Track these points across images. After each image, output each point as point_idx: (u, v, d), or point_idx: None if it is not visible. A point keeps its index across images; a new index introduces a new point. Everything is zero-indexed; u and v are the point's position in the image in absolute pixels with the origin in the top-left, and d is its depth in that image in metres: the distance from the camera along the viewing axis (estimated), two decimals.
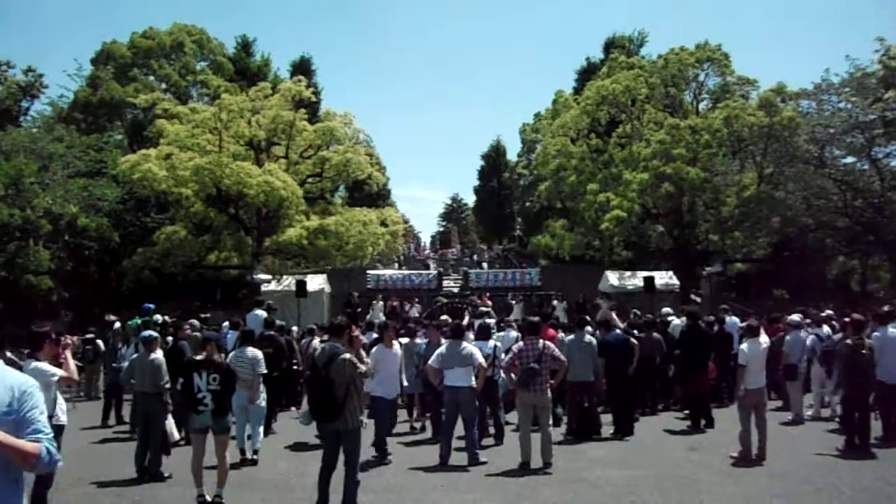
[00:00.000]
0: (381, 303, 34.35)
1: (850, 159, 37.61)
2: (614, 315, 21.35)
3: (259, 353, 14.09)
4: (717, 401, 18.83)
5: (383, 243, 38.55)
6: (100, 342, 23.63)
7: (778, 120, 35.36)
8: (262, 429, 14.30)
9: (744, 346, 14.14)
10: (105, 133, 42.46)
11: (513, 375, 13.58)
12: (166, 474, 12.55)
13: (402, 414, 17.80)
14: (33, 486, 9.66)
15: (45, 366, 9.70)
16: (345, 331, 10.67)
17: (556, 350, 13.80)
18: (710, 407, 17.36)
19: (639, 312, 25.32)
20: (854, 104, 35.68)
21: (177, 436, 12.86)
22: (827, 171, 36.61)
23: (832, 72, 36.76)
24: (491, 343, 15.85)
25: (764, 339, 14.54)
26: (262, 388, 14.11)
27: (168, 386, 13.05)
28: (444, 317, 20.62)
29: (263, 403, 14.27)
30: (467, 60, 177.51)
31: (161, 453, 12.71)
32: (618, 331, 17.98)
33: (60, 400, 9.91)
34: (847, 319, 16.48)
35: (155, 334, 14.28)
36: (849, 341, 14.76)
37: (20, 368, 14.14)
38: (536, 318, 14.88)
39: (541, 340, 13.62)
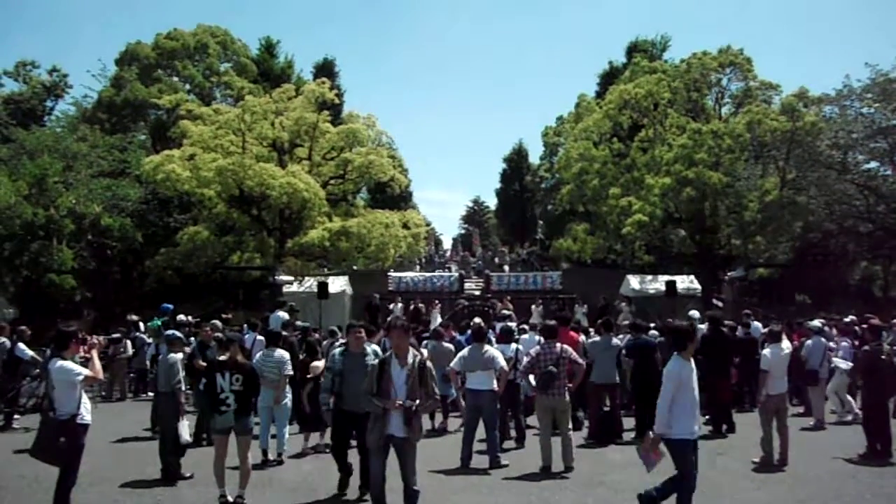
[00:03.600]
0: (400, 305, 34.35)
1: (872, 164, 37.52)
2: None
3: (286, 355, 14.14)
4: (739, 406, 18.79)
5: (405, 246, 38.57)
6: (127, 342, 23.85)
7: (800, 125, 35.29)
8: (287, 430, 14.34)
9: (766, 351, 14.11)
10: (129, 133, 42.63)
11: (531, 378, 13.61)
12: (187, 474, 12.61)
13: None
14: (56, 484, 9.76)
15: (70, 364, 9.79)
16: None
17: (574, 353, 13.81)
18: (732, 412, 17.35)
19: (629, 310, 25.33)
20: (877, 110, 35.57)
21: (186, 437, 12.82)
22: (849, 177, 36.50)
23: (853, 77, 36.70)
24: (513, 346, 15.85)
25: (786, 344, 14.51)
26: (287, 388, 14.17)
27: (179, 386, 13.05)
28: (477, 319, 20.54)
29: (289, 404, 14.33)
30: (489, 63, 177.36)
31: (174, 453, 12.75)
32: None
33: (85, 399, 9.96)
34: (865, 325, 16.47)
35: (177, 334, 14.33)
36: (867, 347, 14.74)
37: (44, 366, 14.30)
38: (553, 322, 14.85)
39: (558, 343, 13.63)
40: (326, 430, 13.95)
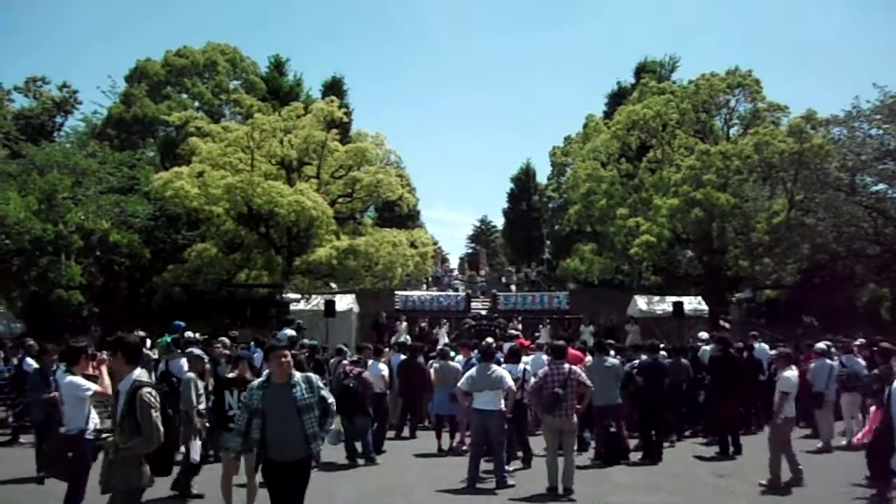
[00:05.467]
0: (405, 323, 34.34)
1: (881, 187, 37.37)
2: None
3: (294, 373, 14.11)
4: (745, 427, 18.76)
5: (412, 265, 38.62)
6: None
7: (808, 147, 35.24)
8: None
9: (788, 373, 14.04)
10: (137, 150, 42.73)
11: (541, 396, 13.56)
12: (194, 491, 12.60)
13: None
14: (64, 500, 9.78)
15: (79, 380, 9.84)
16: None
17: (583, 374, 13.76)
18: (739, 433, 17.32)
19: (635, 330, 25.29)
20: (885, 131, 35.53)
21: (195, 457, 12.73)
22: (858, 199, 36.35)
23: (862, 99, 36.65)
24: (521, 366, 15.84)
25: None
26: None
27: (192, 405, 12.92)
28: (489, 339, 20.50)
29: None
30: (496, 83, 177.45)
31: (186, 471, 12.71)
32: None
33: (94, 414, 10.00)
34: (875, 348, 16.44)
35: (197, 352, 14.26)
36: (876, 370, 14.72)
37: (36, 379, 14.30)
38: (562, 342, 14.81)
39: (566, 365, 13.55)
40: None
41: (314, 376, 9.20)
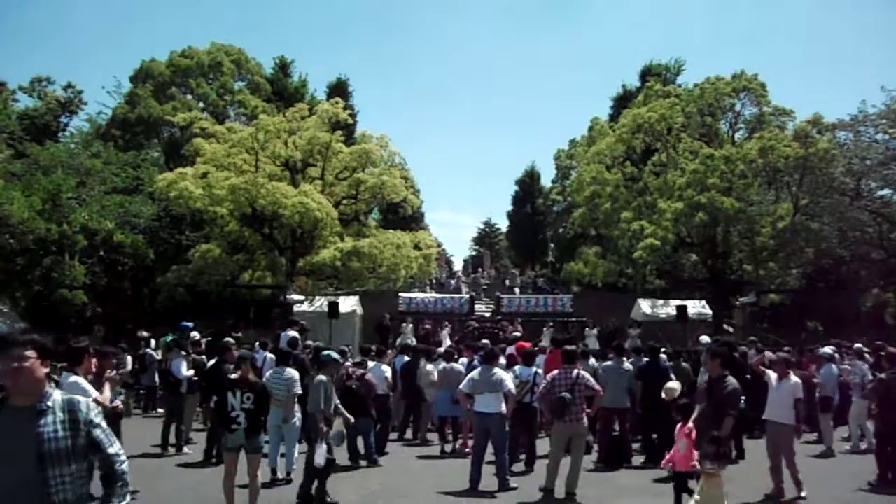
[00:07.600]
0: (410, 325, 34.24)
1: (886, 191, 37.33)
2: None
3: (296, 374, 14.01)
4: (748, 431, 18.69)
5: (416, 266, 38.59)
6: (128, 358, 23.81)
7: (814, 151, 35.16)
8: (296, 449, 14.24)
9: (796, 379, 13.89)
10: (142, 150, 42.73)
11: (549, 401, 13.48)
12: (329, 500, 12.50)
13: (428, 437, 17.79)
14: None
15: (83, 383, 9.81)
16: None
17: (591, 379, 13.68)
18: (742, 437, 17.24)
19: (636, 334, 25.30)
20: (891, 136, 35.44)
21: (318, 461, 12.38)
22: (863, 203, 36.30)
23: (869, 103, 36.57)
24: (532, 369, 15.80)
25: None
26: (296, 407, 14.06)
27: (321, 407, 12.42)
28: (485, 341, 20.41)
29: (298, 423, 14.20)
30: (501, 85, 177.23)
31: (311, 475, 12.62)
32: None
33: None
34: (882, 353, 16.36)
35: (334, 355, 13.86)
36: (882, 376, 14.64)
37: (57, 383, 14.30)
38: (574, 347, 14.72)
39: (575, 370, 13.44)
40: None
41: (86, 402, 5.12)
